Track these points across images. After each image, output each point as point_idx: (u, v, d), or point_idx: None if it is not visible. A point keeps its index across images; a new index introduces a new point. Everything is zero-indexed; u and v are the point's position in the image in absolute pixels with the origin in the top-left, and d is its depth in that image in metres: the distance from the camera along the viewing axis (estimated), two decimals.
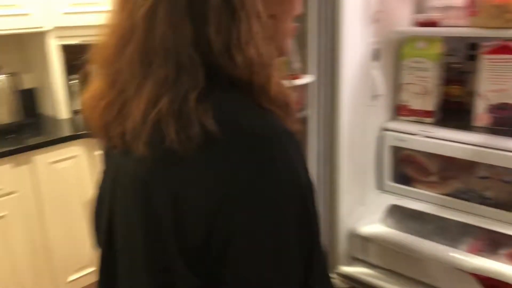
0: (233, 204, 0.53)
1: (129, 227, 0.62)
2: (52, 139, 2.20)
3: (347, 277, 1.40)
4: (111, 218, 0.67)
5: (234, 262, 0.54)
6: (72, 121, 2.52)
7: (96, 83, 0.64)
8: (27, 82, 2.56)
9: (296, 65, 1.18)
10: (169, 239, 0.55)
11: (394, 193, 1.64)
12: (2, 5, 2.18)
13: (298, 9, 0.65)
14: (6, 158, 2.02)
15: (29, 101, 2.58)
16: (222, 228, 0.53)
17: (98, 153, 2.33)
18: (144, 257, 0.59)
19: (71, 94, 2.56)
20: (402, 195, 1.63)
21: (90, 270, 2.33)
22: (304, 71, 1.23)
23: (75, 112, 2.58)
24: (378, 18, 1.39)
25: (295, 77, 1.20)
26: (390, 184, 1.66)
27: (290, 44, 0.67)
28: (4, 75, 2.29)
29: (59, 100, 2.50)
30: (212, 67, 0.55)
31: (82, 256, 2.31)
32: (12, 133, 2.27)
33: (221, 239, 0.54)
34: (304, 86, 1.22)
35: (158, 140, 0.53)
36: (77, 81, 2.58)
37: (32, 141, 2.16)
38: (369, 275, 1.38)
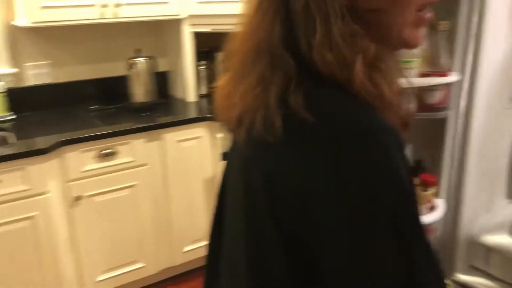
0: (323, 191, 0.54)
1: (234, 206, 0.68)
2: (180, 119, 2.38)
3: (463, 286, 1.35)
4: (222, 195, 0.74)
5: (327, 250, 0.56)
6: (198, 104, 2.69)
7: (226, 73, 0.71)
8: (162, 66, 2.79)
9: (444, 61, 1.12)
10: (266, 220, 0.59)
11: None
12: None
13: None
14: (140, 134, 2.23)
15: (162, 83, 2.81)
16: (313, 215, 0.55)
17: (220, 136, 2.48)
18: (243, 227, 0.64)
19: (199, 79, 2.74)
20: None
21: (204, 243, 2.49)
22: (451, 69, 1.17)
23: (202, 96, 2.76)
24: None
25: (442, 74, 1.15)
26: None
27: (418, 34, 0.64)
28: (143, 58, 2.52)
29: (188, 84, 2.69)
30: (303, 64, 0.58)
31: (198, 230, 2.49)
32: (146, 112, 2.50)
33: (311, 225, 0.56)
34: (449, 85, 1.17)
35: (252, 127, 0.59)
36: (204, 67, 2.75)
37: (163, 120, 2.36)
38: (488, 286, 1.31)
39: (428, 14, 0.63)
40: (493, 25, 1.15)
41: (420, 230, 0.58)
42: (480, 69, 1.14)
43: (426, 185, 1.20)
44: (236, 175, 0.67)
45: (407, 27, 0.62)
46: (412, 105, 0.67)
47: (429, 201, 1.22)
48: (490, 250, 1.33)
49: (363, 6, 0.59)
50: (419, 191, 1.22)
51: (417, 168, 1.25)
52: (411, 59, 1.11)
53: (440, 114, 1.18)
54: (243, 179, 0.64)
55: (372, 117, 0.56)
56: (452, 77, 1.15)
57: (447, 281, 1.40)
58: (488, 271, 1.34)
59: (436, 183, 1.24)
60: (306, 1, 0.57)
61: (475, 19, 1.16)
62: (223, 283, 0.73)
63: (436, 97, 1.15)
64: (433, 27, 1.12)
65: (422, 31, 0.64)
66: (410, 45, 0.64)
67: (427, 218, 1.22)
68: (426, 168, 1.27)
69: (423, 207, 1.21)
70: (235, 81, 0.65)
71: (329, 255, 0.56)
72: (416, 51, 1.12)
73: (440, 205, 1.26)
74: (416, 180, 1.23)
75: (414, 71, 1.12)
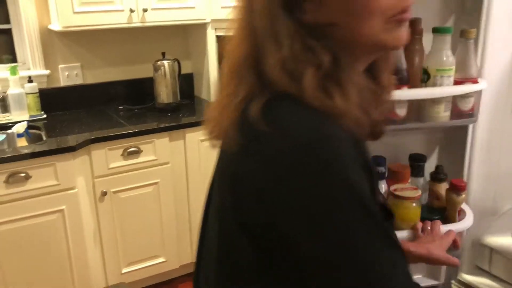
0: (276, 199, 0.58)
1: (214, 208, 0.74)
2: (202, 119, 2.45)
3: (467, 286, 1.37)
4: (210, 198, 0.80)
5: (287, 250, 0.60)
6: None
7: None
8: (186, 68, 2.88)
9: (473, 68, 1.14)
10: (231, 221, 0.65)
11: None
12: None
13: (378, 4, 0.61)
14: (164, 133, 2.33)
15: (186, 84, 2.90)
16: (270, 220, 0.60)
17: None
18: (217, 225, 0.71)
19: None
20: None
21: None
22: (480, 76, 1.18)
23: None
24: None
25: (475, 81, 1.16)
26: None
27: (398, 35, 0.64)
28: (168, 61, 2.62)
29: (212, 86, 2.77)
30: (265, 79, 0.63)
31: None
32: (171, 112, 2.60)
33: (269, 228, 0.61)
34: (479, 92, 1.17)
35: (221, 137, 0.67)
36: None
37: (186, 120, 2.45)
38: (492, 287, 1.33)
39: (406, 15, 0.63)
40: (497, 32, 1.18)
41: (375, 231, 0.59)
42: (484, 75, 1.17)
43: (458, 190, 1.20)
44: (217, 179, 0.74)
45: (380, 33, 0.63)
46: (382, 114, 0.67)
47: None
48: (493, 252, 1.35)
49: (320, 21, 0.63)
50: (452, 196, 1.20)
51: (439, 173, 1.25)
52: (448, 67, 1.12)
53: (472, 120, 1.19)
54: (219, 182, 0.71)
55: (322, 128, 0.58)
56: (483, 84, 1.16)
57: (453, 282, 1.43)
58: (492, 272, 1.37)
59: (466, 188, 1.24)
60: (262, 24, 0.63)
61: (482, 26, 1.20)
62: (200, 281, 0.79)
63: (470, 104, 1.17)
64: (463, 35, 1.14)
65: (404, 31, 0.65)
66: (390, 47, 0.66)
67: (460, 225, 1.21)
68: (447, 174, 1.26)
69: (457, 213, 1.23)
70: (215, 96, 0.72)
71: (288, 254, 0.60)
72: (451, 59, 1.13)
73: (468, 210, 1.27)
74: (441, 186, 1.24)
75: (451, 79, 1.14)
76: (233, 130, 0.63)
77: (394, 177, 1.22)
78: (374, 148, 1.24)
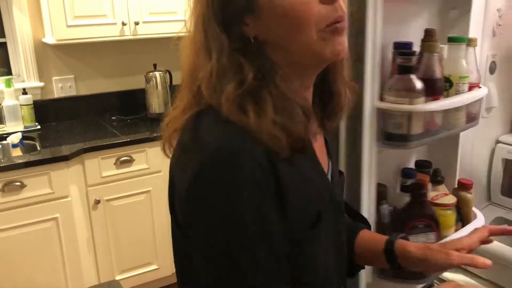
0: (183, 203, 0.66)
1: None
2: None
3: None
4: None
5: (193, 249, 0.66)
6: None
7: None
8: (177, 79, 2.93)
9: (475, 74, 1.19)
10: (172, 213, 0.72)
11: (503, 206, 1.62)
12: (164, 12, 2.58)
13: (311, 16, 0.63)
14: (156, 142, 2.38)
15: None
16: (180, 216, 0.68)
17: None
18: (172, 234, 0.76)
19: None
20: (510, 209, 1.60)
21: None
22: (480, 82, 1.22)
23: None
24: (497, 31, 1.39)
25: (479, 86, 1.21)
26: (500, 197, 1.63)
27: (335, 44, 0.65)
28: (159, 72, 2.68)
29: None
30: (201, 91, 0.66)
31: None
32: (163, 122, 2.64)
33: (187, 225, 0.67)
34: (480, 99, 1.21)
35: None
36: None
37: None
38: (469, 283, 1.39)
39: (340, 24, 0.65)
40: None
41: (247, 251, 0.62)
42: None
43: (467, 188, 1.23)
44: None
45: (316, 43, 0.65)
46: (304, 128, 0.67)
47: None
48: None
49: (260, 36, 0.66)
50: (464, 195, 1.23)
51: (437, 176, 1.28)
52: (467, 75, 1.15)
53: (476, 123, 1.23)
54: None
55: (228, 143, 0.62)
56: (485, 88, 1.22)
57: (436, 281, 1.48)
58: (468, 269, 1.43)
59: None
60: (199, 38, 0.67)
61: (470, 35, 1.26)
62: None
63: (477, 108, 1.22)
64: (467, 43, 1.19)
65: (341, 41, 0.66)
66: (328, 57, 0.67)
67: (475, 224, 1.23)
68: (443, 176, 1.30)
69: (471, 212, 1.26)
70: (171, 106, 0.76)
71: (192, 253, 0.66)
72: (466, 66, 1.15)
73: (474, 209, 1.29)
74: (439, 189, 1.26)
75: (468, 86, 1.18)
76: (166, 141, 0.71)
77: None
78: (390, 158, 1.29)
